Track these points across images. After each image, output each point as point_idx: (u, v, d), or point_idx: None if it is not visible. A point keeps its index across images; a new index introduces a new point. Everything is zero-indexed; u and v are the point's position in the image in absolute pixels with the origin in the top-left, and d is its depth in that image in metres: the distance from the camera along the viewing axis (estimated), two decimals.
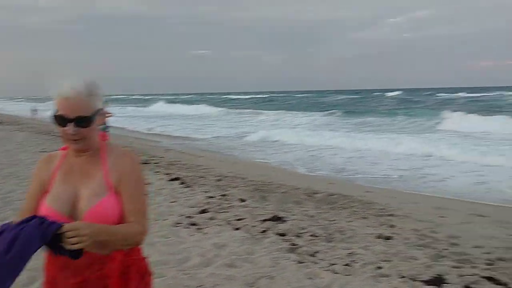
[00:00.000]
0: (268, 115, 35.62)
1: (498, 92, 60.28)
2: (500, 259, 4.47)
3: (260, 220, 5.74)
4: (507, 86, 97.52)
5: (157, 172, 9.19)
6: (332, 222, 5.83)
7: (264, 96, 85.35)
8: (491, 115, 23.84)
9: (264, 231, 5.31)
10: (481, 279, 3.91)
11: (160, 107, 51.83)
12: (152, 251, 4.33)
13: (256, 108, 46.07)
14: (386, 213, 6.54)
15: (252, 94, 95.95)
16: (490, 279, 3.90)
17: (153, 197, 6.72)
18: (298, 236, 5.14)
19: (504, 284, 3.81)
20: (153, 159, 10.97)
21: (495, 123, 21.03)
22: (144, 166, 9.94)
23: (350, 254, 4.55)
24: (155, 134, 22.57)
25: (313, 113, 35.87)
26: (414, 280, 3.92)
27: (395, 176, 10.93)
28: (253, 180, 8.83)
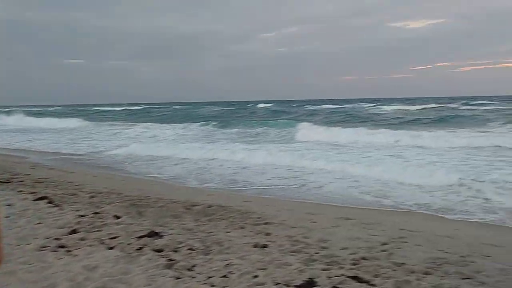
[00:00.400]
0: (144, 127, 34.60)
1: (358, 104, 66.48)
2: (364, 258, 4.86)
3: (136, 237, 5.53)
4: (367, 98, 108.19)
5: (20, 191, 8.38)
6: (210, 234, 5.83)
7: (139, 108, 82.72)
8: (346, 127, 26.37)
9: (140, 248, 5.12)
10: (347, 279, 4.20)
11: (20, 120, 47.05)
12: (12, 280, 3.91)
13: (130, 120, 44.56)
14: (262, 222, 6.74)
15: (126, 106, 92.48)
16: (354, 278, 4.21)
17: (14, 220, 6.10)
18: (176, 251, 5.05)
19: (367, 282, 4.14)
20: (16, 177, 10.00)
21: (345, 133, 22.67)
22: (4, 186, 9.00)
23: (227, 265, 4.59)
24: (21, 150, 20.61)
25: (189, 124, 35.66)
26: (288, 285, 4.08)
27: (281, 185, 11.30)
28: (129, 195, 8.50)
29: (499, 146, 16.71)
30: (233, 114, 54.19)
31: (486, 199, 8.81)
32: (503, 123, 27.17)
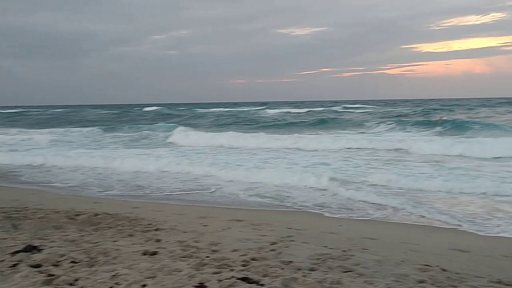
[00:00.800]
0: (18, 132, 31.83)
1: (247, 107, 67.82)
2: (253, 259, 4.94)
3: (10, 253, 5.03)
4: (256, 102, 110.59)
5: None
6: (95, 244, 5.52)
7: (14, 111, 75.85)
8: (232, 129, 27.02)
9: (14, 265, 4.66)
10: (238, 280, 4.24)
11: None
12: None
13: (4, 124, 40.81)
14: (153, 228, 6.55)
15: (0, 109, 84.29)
16: (244, 279, 4.26)
17: None
18: (56, 265, 4.69)
19: (256, 282, 4.21)
20: None
21: (227, 137, 23.01)
22: None
23: (114, 276, 4.37)
24: None
25: (69, 128, 33.63)
26: None
27: (179, 190, 11.07)
28: (3, 207, 7.75)
29: (374, 148, 17.99)
30: (118, 117, 52.15)
31: (363, 198, 9.52)
32: (377, 124, 29.66)
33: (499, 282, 4.41)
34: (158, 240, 5.79)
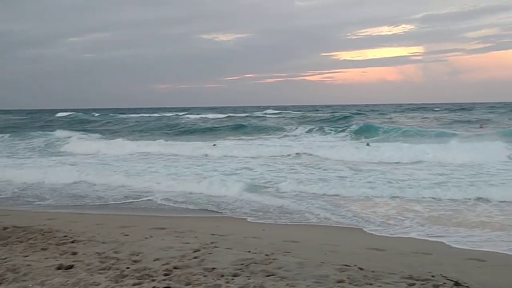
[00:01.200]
0: None
1: (169, 113, 66.31)
2: (176, 268, 4.85)
3: None
4: (179, 107, 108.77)
5: None
6: (4, 260, 5.13)
7: None
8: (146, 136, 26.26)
9: None
10: None
11: None
12: None
13: None
14: (69, 240, 6.23)
15: None
16: None
17: None
18: None
19: None
20: None
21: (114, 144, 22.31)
22: None
23: None
24: None
25: None
26: None
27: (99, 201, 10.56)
28: None
29: (299, 153, 18.23)
30: (27, 123, 48.86)
31: (282, 203, 9.73)
32: (295, 128, 30.40)
33: (410, 277, 4.69)
34: (75, 253, 5.51)
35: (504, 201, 9.12)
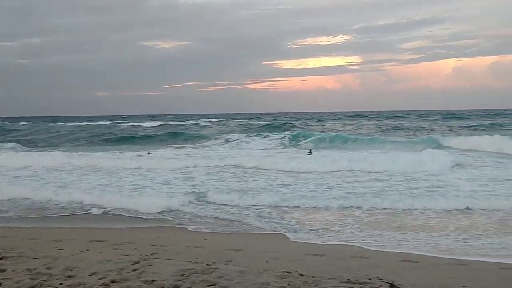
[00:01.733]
0: None
1: (105, 121, 63.83)
2: (113, 281, 4.70)
3: None
4: (118, 115, 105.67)
5: None
6: None
7: None
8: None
9: None
10: None
11: None
12: None
13: None
14: None
15: None
16: None
17: None
18: None
19: None
20: None
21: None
22: None
23: None
24: None
25: None
26: None
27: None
28: None
29: (237, 162, 17.97)
30: None
31: (224, 211, 9.71)
32: (230, 136, 30.18)
33: (348, 281, 4.81)
34: (3, 270, 5.19)
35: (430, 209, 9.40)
